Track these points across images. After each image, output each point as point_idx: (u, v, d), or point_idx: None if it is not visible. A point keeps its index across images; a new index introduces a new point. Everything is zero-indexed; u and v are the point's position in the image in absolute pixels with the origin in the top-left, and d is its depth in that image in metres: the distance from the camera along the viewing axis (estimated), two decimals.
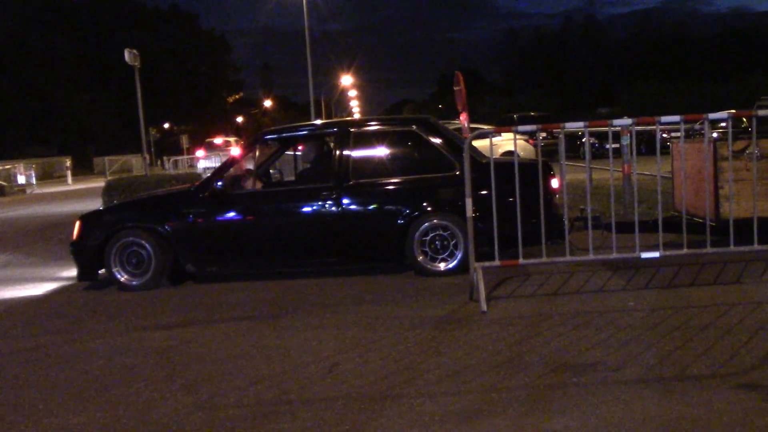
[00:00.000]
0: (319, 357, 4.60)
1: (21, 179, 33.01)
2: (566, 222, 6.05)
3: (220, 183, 7.23)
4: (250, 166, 8.11)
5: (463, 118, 9.03)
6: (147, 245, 7.08)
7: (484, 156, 7.30)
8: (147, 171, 20.14)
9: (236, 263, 7.34)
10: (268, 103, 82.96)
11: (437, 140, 7.12)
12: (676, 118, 5.90)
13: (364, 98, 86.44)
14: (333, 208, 7.00)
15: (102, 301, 6.85)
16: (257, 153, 8.26)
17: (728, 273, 6.16)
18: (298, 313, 5.81)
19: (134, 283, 7.13)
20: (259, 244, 7.19)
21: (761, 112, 6.11)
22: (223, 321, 5.76)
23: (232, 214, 7.23)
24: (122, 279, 7.13)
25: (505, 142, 13.89)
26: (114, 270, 7.13)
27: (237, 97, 79.75)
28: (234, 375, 4.37)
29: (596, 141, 17.71)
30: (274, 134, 8.00)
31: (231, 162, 7.60)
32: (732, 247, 5.75)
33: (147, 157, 21.82)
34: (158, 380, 4.38)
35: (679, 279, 6.09)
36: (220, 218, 7.23)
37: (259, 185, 7.75)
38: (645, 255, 5.79)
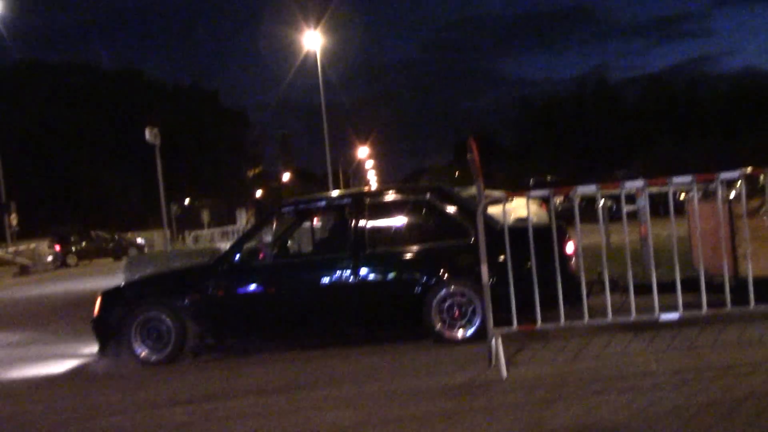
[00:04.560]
0: (335, 429, 4.57)
1: (46, 258, 33.42)
2: (583, 285, 6.03)
3: (238, 256, 7.33)
4: (268, 237, 8.20)
5: (478, 184, 9.10)
6: (167, 319, 7.13)
7: (498, 222, 7.34)
8: (168, 246, 20.37)
9: (255, 335, 7.37)
10: (287, 176, 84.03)
11: (451, 208, 7.19)
12: (687, 178, 5.94)
13: (381, 167, 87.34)
14: (350, 278, 7.03)
15: (122, 376, 6.87)
16: (275, 224, 8.37)
17: (750, 332, 6.08)
18: (316, 387, 5.78)
19: (154, 358, 7.15)
20: (277, 316, 7.22)
21: None
22: (242, 395, 5.75)
23: (250, 287, 7.29)
24: (142, 354, 7.16)
25: (517, 208, 13.90)
26: (134, 345, 7.17)
27: (257, 170, 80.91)
28: None
29: (613, 203, 17.69)
30: (291, 206, 8.12)
31: (249, 234, 7.69)
32: (752, 306, 5.69)
33: (168, 232, 22.09)
34: None
35: (701, 340, 6.01)
36: (239, 291, 7.29)
37: (277, 257, 7.82)
38: (664, 316, 5.75)
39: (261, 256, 7.68)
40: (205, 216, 46.66)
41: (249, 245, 7.67)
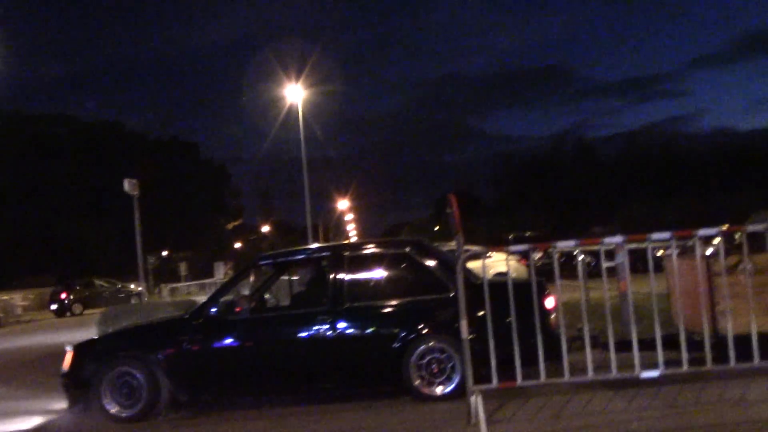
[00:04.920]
0: None
1: (18, 310, 32.86)
2: (564, 341, 5.97)
3: (214, 309, 7.21)
4: (245, 291, 8.09)
5: (458, 239, 9.09)
6: (139, 374, 6.95)
7: (477, 277, 7.30)
8: (145, 299, 20.06)
9: (231, 391, 7.19)
10: (266, 229, 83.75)
11: (431, 262, 7.14)
12: (666, 234, 5.96)
13: (361, 221, 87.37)
14: (328, 332, 6.92)
15: None
16: (252, 278, 8.27)
17: (730, 391, 6.02)
18: None
19: (125, 414, 6.94)
20: (254, 372, 7.07)
21: (751, 228, 6.19)
22: None
23: (226, 341, 7.16)
24: (113, 410, 6.95)
25: (496, 263, 13.92)
26: (105, 400, 6.96)
27: (236, 223, 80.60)
28: None
29: (592, 259, 17.75)
30: (268, 259, 8.04)
31: (226, 287, 7.58)
32: (733, 364, 5.66)
33: (144, 284, 21.80)
34: None
35: (682, 398, 5.95)
36: (214, 345, 7.15)
37: (254, 311, 7.68)
38: (645, 374, 5.70)
39: (238, 309, 7.56)
40: (183, 268, 46.24)
41: (226, 298, 7.55)
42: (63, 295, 33.31)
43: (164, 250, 56.16)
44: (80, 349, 7.39)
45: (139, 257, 18.30)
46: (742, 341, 5.73)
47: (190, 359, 7.09)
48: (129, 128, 68.44)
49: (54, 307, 32.81)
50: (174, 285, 37.93)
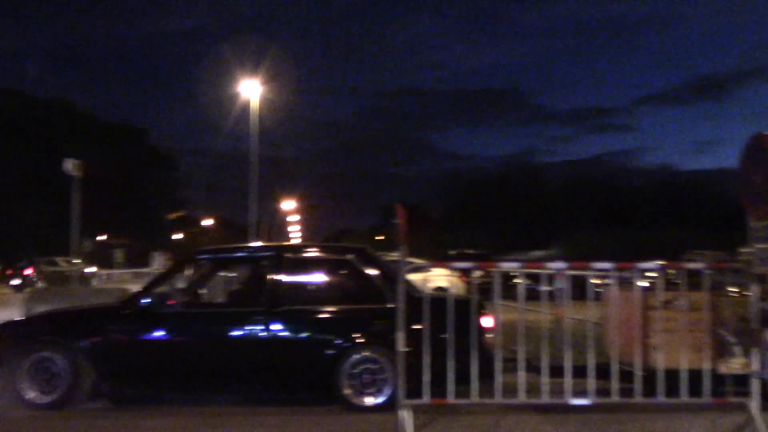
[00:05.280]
0: None
1: None
2: (498, 362, 5.96)
3: (146, 300, 6.99)
4: (181, 284, 7.88)
5: (402, 250, 9.04)
6: (60, 361, 6.69)
7: (418, 290, 7.26)
8: (76, 282, 19.48)
9: (156, 385, 6.98)
10: (209, 223, 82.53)
11: (373, 271, 7.07)
12: (607, 265, 6.01)
13: (306, 224, 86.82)
14: (262, 334, 6.78)
15: (5, 421, 6.36)
16: (188, 272, 8.06)
17: (656, 423, 6.09)
18: None
19: (41, 401, 6.67)
20: (182, 367, 6.88)
21: (689, 265, 6.30)
22: None
23: (156, 334, 6.95)
24: (29, 396, 6.67)
25: (436, 278, 13.95)
26: (22, 385, 6.67)
27: (179, 214, 79.25)
28: None
29: (531, 282, 17.93)
30: (207, 254, 7.86)
31: (160, 279, 7.37)
32: (660, 398, 5.73)
33: (77, 268, 21.18)
34: None
35: (609, 428, 5.99)
36: (143, 337, 6.94)
37: (187, 305, 7.48)
38: (575, 401, 5.73)
39: (171, 302, 7.35)
40: (119, 255, 45.12)
41: (159, 290, 7.34)
42: (29, 271, 33.09)
43: (101, 234, 54.77)
44: (1, 329, 7.09)
45: (72, 241, 17.75)
46: (672, 376, 5.81)
47: (117, 350, 6.86)
48: (79, 108, 66.68)
49: (16, 282, 32.36)
50: (109, 271, 36.94)
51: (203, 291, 8.41)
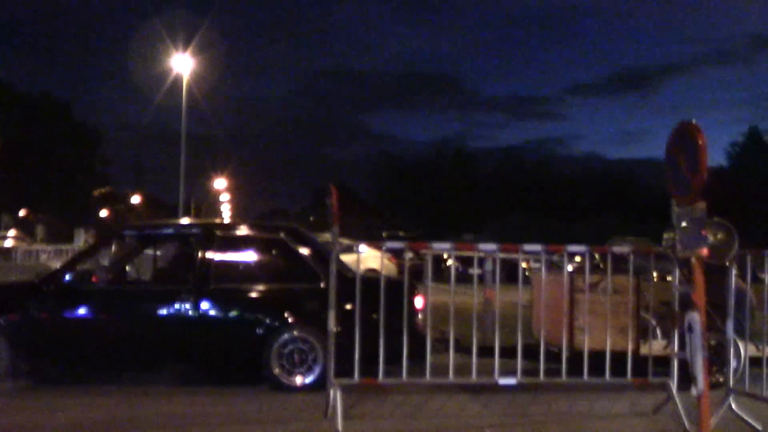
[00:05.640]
0: None
1: None
2: (428, 343, 5.99)
3: (68, 276, 6.76)
4: (105, 261, 7.65)
5: (333, 231, 9.00)
6: None
7: (351, 270, 7.22)
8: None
9: (79, 364, 6.77)
10: (136, 200, 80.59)
11: (304, 250, 7.00)
12: (537, 247, 6.10)
13: (237, 204, 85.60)
14: (189, 313, 6.64)
15: None
16: (114, 248, 7.83)
17: (580, 404, 6.24)
18: (136, 427, 5.34)
19: None
20: (106, 346, 6.69)
21: (615, 249, 6.45)
22: (56, 430, 5.19)
23: (79, 311, 6.73)
24: None
25: (368, 258, 13.93)
26: None
27: (103, 191, 77.06)
28: None
29: (460, 265, 18.17)
30: (133, 230, 7.64)
31: (83, 255, 7.14)
32: (585, 378, 5.87)
33: None
34: None
35: (535, 408, 6.11)
36: (65, 314, 6.71)
37: (112, 282, 7.26)
38: (503, 381, 5.81)
39: (94, 279, 7.13)
40: (40, 231, 43.68)
41: (83, 267, 7.11)
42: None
43: (21, 209, 52.83)
44: None
45: None
46: (596, 357, 5.95)
47: (37, 327, 6.62)
48: None
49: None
50: (29, 247, 35.68)
51: (129, 268, 8.19)
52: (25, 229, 45.39)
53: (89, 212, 67.32)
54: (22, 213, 52.53)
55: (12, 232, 36.00)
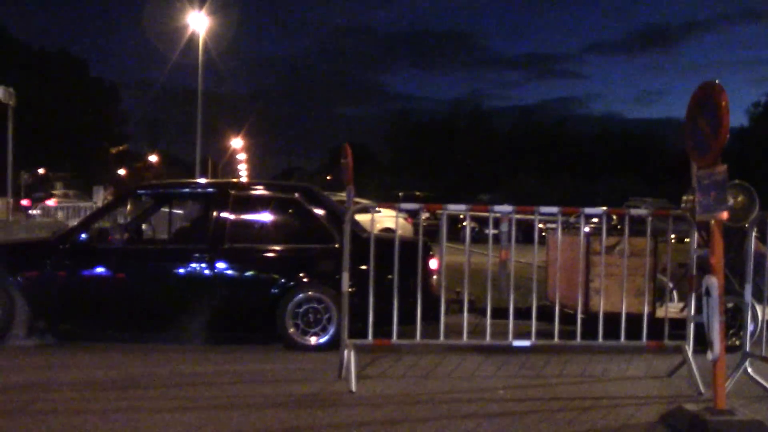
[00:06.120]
0: None
1: None
2: (443, 303, 5.98)
3: (84, 235, 6.78)
4: (121, 220, 7.66)
5: (349, 190, 8.97)
6: None
7: (365, 230, 7.20)
8: (11, 215, 18.89)
9: (95, 322, 6.83)
10: (153, 159, 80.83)
11: (319, 210, 6.97)
12: (554, 209, 6.04)
13: (253, 162, 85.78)
14: (205, 272, 6.66)
15: None
16: (129, 207, 7.84)
17: (594, 366, 6.22)
18: (152, 386, 5.38)
19: None
20: (122, 304, 6.74)
21: (633, 211, 6.37)
22: (67, 388, 5.24)
23: (95, 270, 6.76)
24: None
25: (384, 219, 13.92)
26: None
27: (121, 149, 77.32)
28: None
29: (476, 226, 18.11)
30: (147, 189, 7.63)
31: (99, 214, 7.15)
32: (600, 341, 5.84)
33: (11, 200, 20.55)
34: None
35: (549, 369, 6.10)
36: (81, 273, 6.75)
37: (128, 242, 7.28)
38: (517, 343, 5.80)
39: (110, 238, 7.14)
40: (59, 188, 43.97)
41: (99, 225, 7.12)
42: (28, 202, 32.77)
43: (40, 167, 53.16)
44: None
45: (9, 171, 17.12)
46: (611, 320, 5.92)
47: (53, 285, 6.67)
48: (13, 34, 63.68)
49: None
50: (47, 204, 35.95)
51: (145, 227, 8.20)
52: (45, 187, 45.76)
53: (107, 170, 67.75)
54: (40, 171, 52.87)
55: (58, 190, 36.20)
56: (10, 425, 4.32)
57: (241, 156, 78.16)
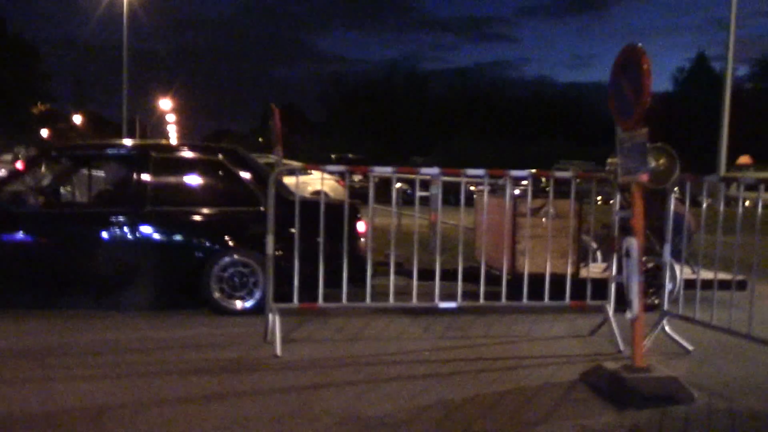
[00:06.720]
0: (85, 404, 4.09)
1: None
2: (369, 266, 5.95)
3: None
4: (35, 182, 7.35)
5: (277, 152, 8.81)
6: None
7: (292, 193, 7.08)
8: None
9: (8, 289, 6.56)
10: (78, 119, 78.08)
11: (245, 173, 6.81)
12: (480, 172, 6.04)
13: (183, 124, 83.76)
14: (126, 236, 6.46)
15: None
16: (46, 169, 7.52)
17: (519, 327, 6.32)
18: (71, 354, 5.20)
19: None
20: (38, 270, 6.48)
21: (558, 174, 6.43)
22: None
23: (9, 234, 6.47)
24: None
25: (315, 181, 13.80)
26: None
27: (43, 108, 74.47)
28: None
29: (408, 188, 18.14)
30: (64, 150, 7.33)
31: (13, 176, 6.83)
32: (525, 301, 5.92)
33: None
34: None
35: (474, 330, 6.17)
36: None
37: (44, 205, 6.99)
38: (443, 305, 5.82)
39: (25, 201, 6.85)
40: None
41: (12, 188, 6.81)
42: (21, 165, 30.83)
43: None
44: None
45: None
46: (536, 281, 5.99)
47: None
48: None
49: None
50: None
51: (63, 190, 7.91)
52: None
53: (30, 130, 65.18)
54: None
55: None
56: None
57: (171, 117, 76.26)
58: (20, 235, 6.49)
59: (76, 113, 79.23)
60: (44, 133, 69.40)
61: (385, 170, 5.99)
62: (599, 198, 6.63)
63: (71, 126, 75.95)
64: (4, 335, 5.64)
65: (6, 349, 5.25)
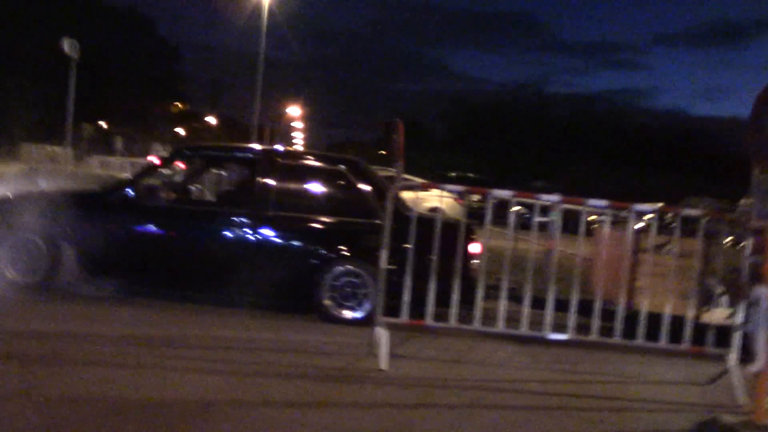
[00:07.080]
0: (195, 396, 4.24)
1: None
2: (481, 289, 5.87)
3: (131, 190, 6.85)
4: (168, 179, 7.73)
5: (397, 167, 8.88)
6: (41, 242, 6.61)
7: (409, 209, 7.12)
8: (71, 164, 19.33)
9: (134, 277, 6.92)
10: (212, 120, 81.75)
11: (364, 185, 6.91)
12: (602, 203, 5.86)
13: (309, 131, 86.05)
14: (247, 236, 6.68)
15: None
16: (178, 167, 7.90)
17: (631, 368, 6.06)
18: (185, 346, 5.43)
19: (22, 281, 6.63)
20: (162, 262, 6.80)
21: (686, 211, 6.15)
22: (100, 339, 5.32)
23: (139, 225, 6.83)
24: (10, 275, 6.63)
25: (433, 198, 13.83)
26: (1, 264, 6.62)
27: (182, 108, 78.49)
28: (97, 399, 3.99)
29: (526, 212, 17.86)
30: (196, 150, 7.67)
31: (148, 171, 7.22)
32: (640, 341, 5.68)
33: (71, 151, 21.02)
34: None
35: (583, 366, 5.97)
36: (126, 227, 6.82)
37: (174, 201, 7.34)
38: (553, 336, 5.67)
39: (157, 195, 7.21)
40: (118, 143, 44.92)
41: (146, 182, 7.19)
42: None
43: (102, 120, 54.23)
44: None
45: (69, 121, 17.50)
46: (654, 320, 5.74)
47: (98, 237, 6.74)
48: None
49: None
50: (106, 158, 36.74)
51: (194, 188, 8.27)
52: (105, 140, 46.72)
53: (166, 128, 68.84)
54: (102, 124, 53.98)
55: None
56: (42, 372, 4.40)
57: (298, 124, 78.54)
58: (148, 227, 6.83)
59: (210, 114, 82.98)
60: (181, 131, 73.10)
61: (504, 193, 5.91)
62: (730, 239, 6.27)
63: (205, 127, 79.60)
64: (129, 323, 5.95)
65: (129, 335, 5.53)
